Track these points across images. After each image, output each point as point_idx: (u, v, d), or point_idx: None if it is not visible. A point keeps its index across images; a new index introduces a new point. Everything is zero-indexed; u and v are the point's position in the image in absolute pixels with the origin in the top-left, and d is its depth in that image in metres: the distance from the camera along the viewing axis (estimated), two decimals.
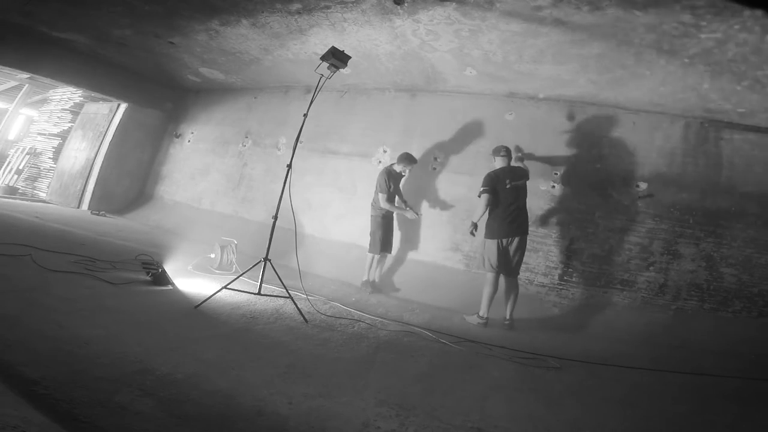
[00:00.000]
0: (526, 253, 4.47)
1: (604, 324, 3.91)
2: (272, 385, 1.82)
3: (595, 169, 4.36)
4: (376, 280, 4.50)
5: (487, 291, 3.69)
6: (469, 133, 4.94)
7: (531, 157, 4.51)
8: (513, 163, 3.99)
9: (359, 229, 5.28)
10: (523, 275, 4.41)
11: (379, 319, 3.31)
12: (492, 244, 3.72)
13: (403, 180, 4.64)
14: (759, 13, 2.37)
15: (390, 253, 4.63)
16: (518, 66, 3.99)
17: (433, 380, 2.23)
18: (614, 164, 4.32)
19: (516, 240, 3.70)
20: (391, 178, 4.41)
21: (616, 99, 4.23)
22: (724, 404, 2.40)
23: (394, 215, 4.62)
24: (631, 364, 2.91)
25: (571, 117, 4.57)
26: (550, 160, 4.51)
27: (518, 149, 4.48)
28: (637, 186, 4.23)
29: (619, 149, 4.34)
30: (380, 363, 2.38)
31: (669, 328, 3.80)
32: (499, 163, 3.88)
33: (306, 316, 2.96)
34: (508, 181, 3.75)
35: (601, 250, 4.23)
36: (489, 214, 3.78)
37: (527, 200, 3.85)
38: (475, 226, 3.74)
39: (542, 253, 4.39)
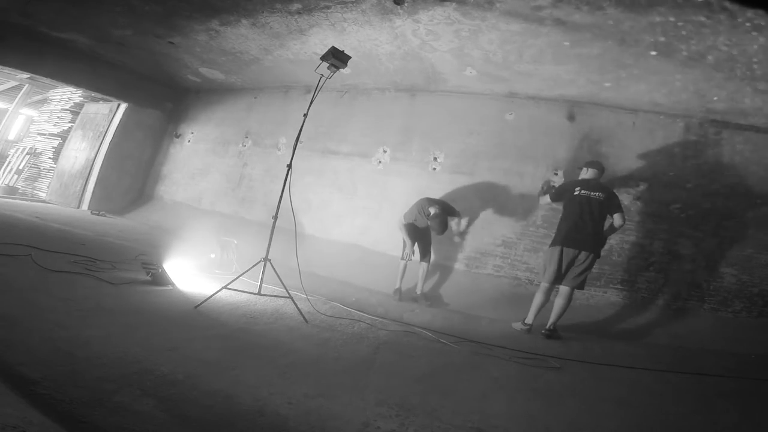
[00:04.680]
0: (528, 253, 4.46)
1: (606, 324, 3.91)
2: (272, 385, 1.82)
3: None
4: (417, 292, 4.30)
5: (537, 299, 3.55)
6: (469, 133, 4.94)
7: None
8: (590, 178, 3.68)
9: (359, 229, 5.28)
10: (523, 275, 4.43)
11: (379, 319, 3.31)
12: (553, 252, 3.56)
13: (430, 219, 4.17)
14: (759, 12, 2.37)
15: (427, 261, 4.31)
16: (518, 66, 3.99)
17: (433, 380, 2.23)
18: (614, 164, 4.31)
19: (582, 254, 3.47)
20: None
21: (616, 99, 4.22)
22: (725, 404, 2.40)
23: (421, 222, 4.24)
24: (631, 364, 2.91)
25: (571, 117, 4.56)
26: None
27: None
28: (637, 186, 4.23)
29: (618, 149, 4.33)
30: (380, 363, 2.38)
31: (669, 327, 3.80)
32: (588, 174, 3.66)
33: (306, 316, 2.96)
34: (578, 189, 3.56)
35: (600, 250, 4.22)
36: (559, 223, 3.68)
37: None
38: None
39: (542, 254, 4.38)
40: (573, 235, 3.50)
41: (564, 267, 3.52)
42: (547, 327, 3.49)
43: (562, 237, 3.55)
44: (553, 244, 3.62)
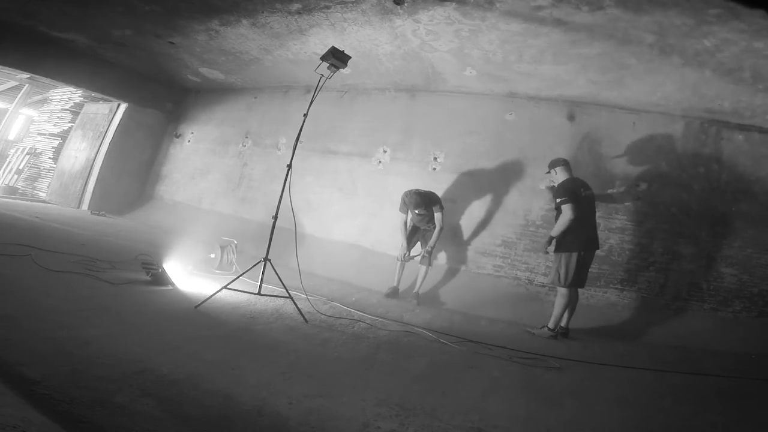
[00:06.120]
0: (528, 253, 4.46)
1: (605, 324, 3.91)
2: (272, 385, 1.82)
3: (595, 169, 4.35)
4: (406, 291, 4.35)
5: (561, 303, 3.48)
6: (469, 133, 4.94)
7: None
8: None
9: (359, 229, 5.28)
10: (523, 275, 4.43)
11: (379, 319, 3.30)
12: (571, 258, 3.44)
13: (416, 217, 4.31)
14: (759, 13, 2.37)
15: (426, 264, 4.29)
16: (518, 66, 3.98)
17: (433, 380, 2.23)
18: (614, 164, 4.32)
19: (591, 254, 3.55)
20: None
21: (616, 99, 4.22)
22: (725, 404, 2.40)
23: (419, 221, 4.36)
24: (631, 364, 2.91)
25: (571, 117, 4.56)
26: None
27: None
28: (637, 186, 4.23)
29: (619, 149, 4.33)
30: (380, 363, 2.38)
31: (669, 327, 3.80)
32: (561, 174, 3.62)
33: (306, 316, 2.96)
34: (582, 191, 3.53)
35: (601, 250, 4.21)
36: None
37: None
38: (550, 240, 3.49)
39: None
40: (590, 236, 3.53)
41: (581, 269, 3.49)
42: (563, 327, 3.55)
43: (582, 242, 3.46)
44: (568, 250, 3.46)
